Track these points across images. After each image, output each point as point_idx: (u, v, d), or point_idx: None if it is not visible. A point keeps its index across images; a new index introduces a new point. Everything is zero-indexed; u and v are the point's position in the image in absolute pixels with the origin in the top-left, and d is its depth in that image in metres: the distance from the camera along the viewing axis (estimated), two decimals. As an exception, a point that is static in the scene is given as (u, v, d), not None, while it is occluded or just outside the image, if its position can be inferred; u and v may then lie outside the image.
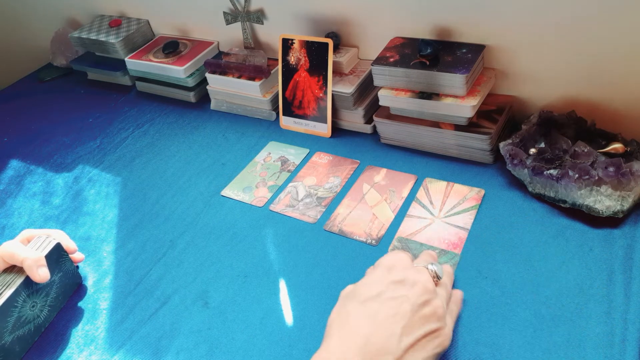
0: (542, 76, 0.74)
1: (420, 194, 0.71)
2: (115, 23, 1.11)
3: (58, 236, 0.66)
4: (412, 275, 0.50)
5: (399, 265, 0.51)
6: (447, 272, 0.55)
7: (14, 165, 0.94)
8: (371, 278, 0.51)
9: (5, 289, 0.57)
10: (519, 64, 0.74)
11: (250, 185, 0.79)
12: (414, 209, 0.69)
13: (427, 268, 0.52)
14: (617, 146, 0.65)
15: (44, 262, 0.60)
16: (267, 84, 0.92)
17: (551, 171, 0.64)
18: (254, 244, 0.69)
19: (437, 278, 0.52)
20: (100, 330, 0.62)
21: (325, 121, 0.85)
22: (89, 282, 0.68)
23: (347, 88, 0.82)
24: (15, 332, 0.58)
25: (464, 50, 0.73)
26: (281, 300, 0.61)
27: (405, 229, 0.66)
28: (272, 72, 0.91)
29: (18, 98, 1.16)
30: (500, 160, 0.73)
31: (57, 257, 0.63)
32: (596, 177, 0.61)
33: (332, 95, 0.83)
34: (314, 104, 0.85)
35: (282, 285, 0.63)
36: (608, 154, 0.65)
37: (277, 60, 0.91)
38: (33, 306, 0.60)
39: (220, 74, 0.95)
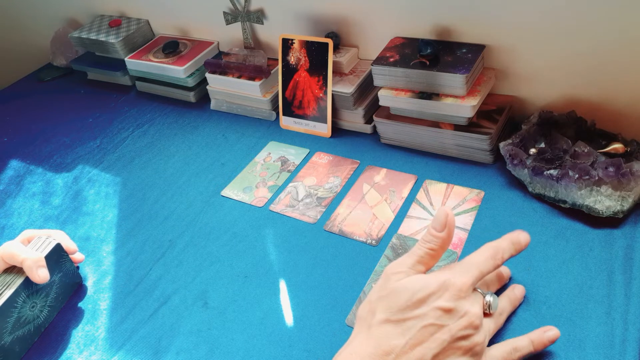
0: (542, 76, 0.74)
1: (420, 195, 0.71)
2: (115, 23, 1.11)
3: (59, 236, 0.66)
4: (464, 306, 0.46)
5: (455, 290, 0.46)
6: (511, 300, 0.53)
7: (14, 165, 0.94)
8: (423, 288, 0.46)
9: (5, 290, 0.57)
10: (519, 64, 0.74)
11: (250, 185, 0.79)
12: (414, 210, 0.69)
13: (484, 298, 0.49)
14: (617, 146, 0.65)
15: (43, 262, 0.60)
16: (267, 84, 0.92)
17: (551, 171, 0.64)
18: (254, 244, 0.69)
19: (489, 310, 0.49)
20: (100, 330, 0.62)
21: (325, 121, 0.85)
22: (89, 282, 0.68)
23: (347, 88, 0.82)
24: (15, 333, 0.58)
25: (464, 50, 0.73)
26: (281, 300, 0.61)
27: (406, 229, 0.66)
28: (272, 72, 0.91)
29: (18, 98, 1.16)
30: (500, 160, 0.73)
31: (57, 257, 0.63)
32: (596, 177, 0.61)
33: (332, 95, 0.83)
34: (314, 104, 0.85)
35: (282, 285, 0.63)
36: (608, 154, 0.65)
37: (277, 60, 0.91)
38: (33, 306, 0.60)
39: (220, 74, 0.94)
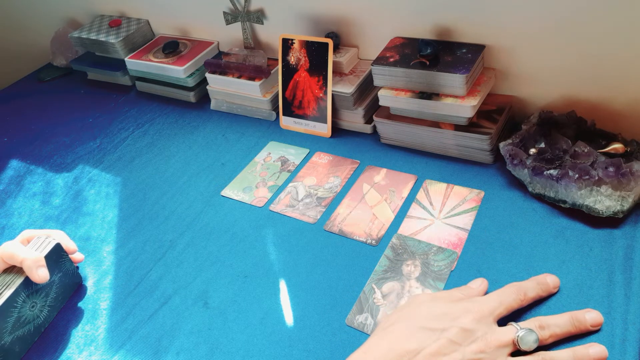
0: (542, 76, 0.74)
1: (420, 195, 0.71)
2: (115, 23, 1.11)
3: (58, 236, 0.66)
4: (481, 330, 0.47)
5: (476, 314, 0.48)
6: (577, 356, 0.48)
7: (14, 165, 0.94)
8: (448, 309, 0.49)
9: (4, 290, 0.57)
10: (519, 64, 0.74)
11: (250, 185, 0.79)
12: (414, 210, 0.69)
13: (517, 331, 0.48)
14: (617, 146, 0.65)
15: (43, 262, 0.60)
16: (267, 84, 0.92)
17: (551, 171, 0.64)
18: (254, 244, 0.69)
19: (519, 345, 0.47)
20: (100, 330, 0.62)
21: (325, 121, 0.85)
22: (89, 282, 0.68)
23: (347, 88, 0.82)
24: (15, 333, 0.58)
25: (464, 50, 0.73)
26: (281, 300, 0.61)
27: (405, 229, 0.66)
28: (272, 72, 0.91)
29: (18, 98, 1.16)
30: (500, 160, 0.73)
31: (56, 257, 0.63)
32: (596, 177, 0.61)
33: (332, 95, 0.83)
34: (314, 104, 0.85)
35: (282, 285, 0.63)
36: (608, 154, 0.65)
37: (277, 60, 0.91)
38: (33, 306, 0.60)
39: (220, 74, 0.94)
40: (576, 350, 0.48)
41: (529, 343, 0.47)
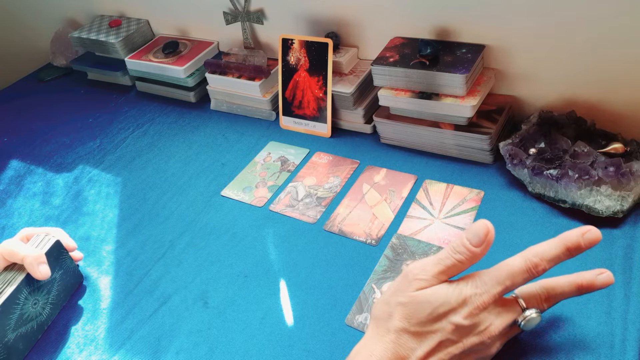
0: (542, 76, 0.74)
1: (420, 195, 0.71)
2: (115, 23, 1.11)
3: (57, 234, 0.66)
4: (483, 322, 0.44)
5: (473, 308, 0.44)
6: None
7: (14, 165, 0.94)
8: (445, 303, 0.44)
9: (6, 287, 0.57)
10: (519, 64, 0.74)
11: (250, 185, 0.79)
12: (414, 209, 0.69)
13: (522, 313, 0.46)
14: (617, 146, 0.65)
15: (44, 259, 0.60)
16: (267, 84, 0.92)
17: (551, 171, 0.64)
18: (253, 244, 0.69)
19: (522, 327, 0.46)
20: (100, 330, 0.62)
21: (325, 121, 0.85)
22: (90, 282, 0.68)
23: (347, 88, 0.82)
24: (19, 330, 0.58)
25: (464, 50, 0.73)
26: (281, 300, 0.61)
27: (405, 229, 0.66)
28: (272, 72, 0.91)
29: (18, 98, 1.16)
30: (500, 160, 0.73)
31: (57, 254, 0.63)
32: (596, 177, 0.61)
33: (332, 95, 0.83)
34: (314, 104, 0.86)
35: (282, 285, 0.63)
36: (608, 154, 0.65)
37: (277, 60, 0.92)
38: (35, 304, 0.60)
39: (220, 74, 0.95)
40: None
41: (530, 327, 0.46)
